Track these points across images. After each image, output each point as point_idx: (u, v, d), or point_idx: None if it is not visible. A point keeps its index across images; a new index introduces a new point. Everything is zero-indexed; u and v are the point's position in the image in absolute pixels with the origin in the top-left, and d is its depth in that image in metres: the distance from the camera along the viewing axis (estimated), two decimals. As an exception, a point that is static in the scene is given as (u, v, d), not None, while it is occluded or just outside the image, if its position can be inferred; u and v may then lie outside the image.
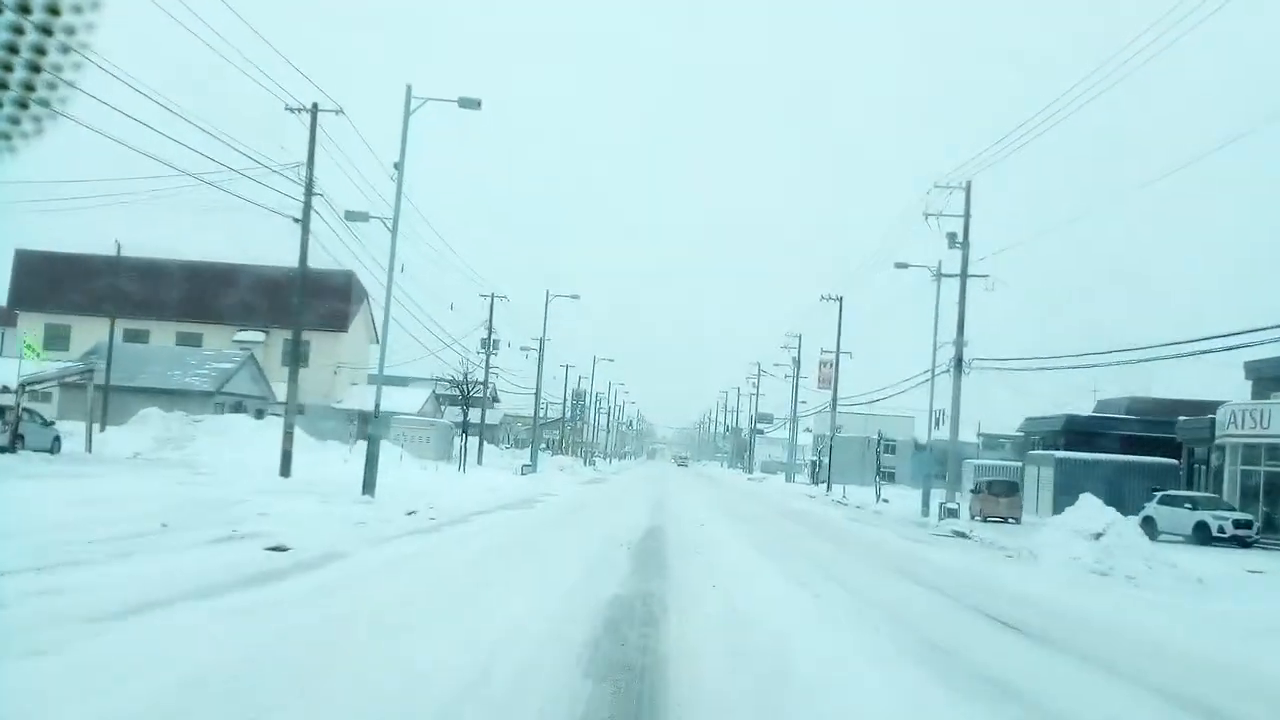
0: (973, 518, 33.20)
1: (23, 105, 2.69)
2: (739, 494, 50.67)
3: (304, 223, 27.44)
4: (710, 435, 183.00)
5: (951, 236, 33.17)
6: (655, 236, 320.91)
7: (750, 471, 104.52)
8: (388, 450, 43.79)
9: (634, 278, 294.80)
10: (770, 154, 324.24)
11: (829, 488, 55.95)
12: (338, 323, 59.91)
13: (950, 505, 32.36)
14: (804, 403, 76.17)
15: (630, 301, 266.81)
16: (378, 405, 25.65)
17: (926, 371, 36.83)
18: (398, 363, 58.01)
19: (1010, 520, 33.63)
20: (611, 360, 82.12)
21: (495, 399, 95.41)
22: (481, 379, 59.10)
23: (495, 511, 23.56)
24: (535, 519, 23.23)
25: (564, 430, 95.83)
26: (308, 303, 62.26)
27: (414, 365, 70.80)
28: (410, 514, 20.10)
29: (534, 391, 78.11)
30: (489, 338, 57.40)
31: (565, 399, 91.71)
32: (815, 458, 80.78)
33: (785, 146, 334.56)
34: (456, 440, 61.38)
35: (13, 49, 2.63)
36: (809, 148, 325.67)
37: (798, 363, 74.06)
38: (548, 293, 55.93)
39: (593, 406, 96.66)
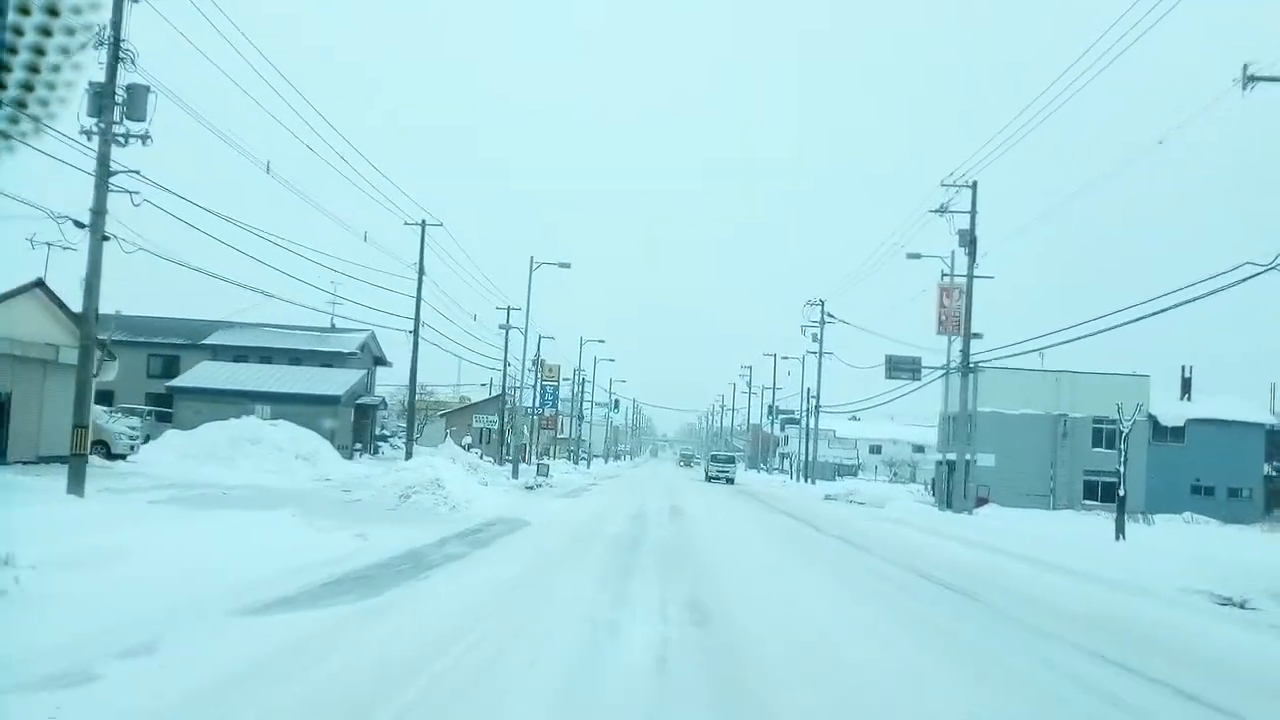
0: None
1: (21, 105, 2.67)
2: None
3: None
4: (721, 429, 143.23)
5: None
6: (654, 210, 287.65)
7: (807, 479, 64.14)
8: None
9: (631, 263, 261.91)
10: (784, 113, 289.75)
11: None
12: None
13: None
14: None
15: (627, 287, 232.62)
16: None
17: None
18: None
19: None
20: (568, 265, 40.73)
21: (379, 358, 55.25)
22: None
23: None
24: None
25: (502, 415, 55.68)
26: None
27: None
28: None
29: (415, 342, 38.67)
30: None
31: (505, 360, 51.35)
32: (952, 458, 39.80)
33: (800, 108, 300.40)
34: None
35: (12, 50, 2.60)
36: (826, 107, 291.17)
37: (973, 245, 33.97)
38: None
39: (527, 353, 55.98)
